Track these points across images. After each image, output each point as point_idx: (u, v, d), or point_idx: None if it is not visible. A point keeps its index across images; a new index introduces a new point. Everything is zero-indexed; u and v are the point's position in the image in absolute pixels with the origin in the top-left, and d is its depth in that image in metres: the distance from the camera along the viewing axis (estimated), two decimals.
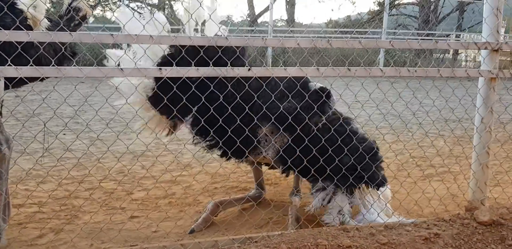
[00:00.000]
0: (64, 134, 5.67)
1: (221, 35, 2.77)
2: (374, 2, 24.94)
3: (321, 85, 2.93)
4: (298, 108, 2.68)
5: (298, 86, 2.69)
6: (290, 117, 2.69)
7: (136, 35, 2.16)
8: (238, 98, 2.58)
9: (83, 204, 3.40)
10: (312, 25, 20.31)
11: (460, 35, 21.13)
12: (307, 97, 2.67)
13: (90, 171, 3.62)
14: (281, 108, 2.69)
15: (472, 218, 2.71)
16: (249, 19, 18.88)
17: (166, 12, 17.66)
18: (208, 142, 2.91)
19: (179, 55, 2.67)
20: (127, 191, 3.74)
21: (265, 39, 2.34)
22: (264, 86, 2.67)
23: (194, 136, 2.96)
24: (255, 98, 2.69)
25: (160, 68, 2.20)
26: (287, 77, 2.52)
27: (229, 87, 2.68)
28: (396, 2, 22.81)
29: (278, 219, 3.22)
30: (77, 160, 4.51)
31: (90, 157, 4.79)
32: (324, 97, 2.80)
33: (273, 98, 2.63)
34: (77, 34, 2.09)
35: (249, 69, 2.31)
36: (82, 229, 2.89)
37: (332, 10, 26.33)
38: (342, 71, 2.43)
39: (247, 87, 2.58)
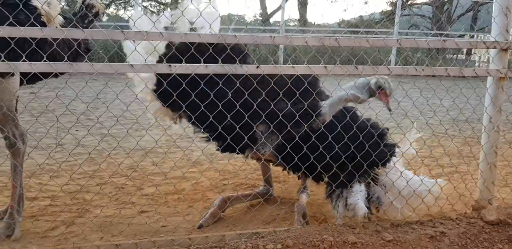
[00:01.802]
0: (76, 130, 5.77)
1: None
2: (387, 2, 24.85)
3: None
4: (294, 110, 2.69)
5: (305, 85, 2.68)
6: (284, 118, 2.69)
7: (146, 32, 2.21)
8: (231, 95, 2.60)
9: (94, 198, 3.47)
10: (324, 25, 20.30)
11: (474, 35, 20.94)
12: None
13: (100, 165, 3.68)
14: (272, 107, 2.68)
15: (479, 217, 2.72)
16: (261, 18, 18.93)
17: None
18: (206, 134, 2.96)
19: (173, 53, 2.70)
20: (137, 186, 3.80)
21: (273, 37, 2.37)
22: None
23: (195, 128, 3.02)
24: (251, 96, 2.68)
25: (170, 65, 2.25)
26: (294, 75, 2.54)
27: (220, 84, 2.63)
28: (409, 2, 22.70)
29: (285, 215, 3.25)
30: (89, 155, 4.59)
31: (101, 152, 4.87)
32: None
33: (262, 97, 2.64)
34: (89, 31, 2.15)
35: (257, 67, 2.34)
36: (93, 222, 2.95)
37: (345, 10, 26.22)
38: (349, 70, 2.45)
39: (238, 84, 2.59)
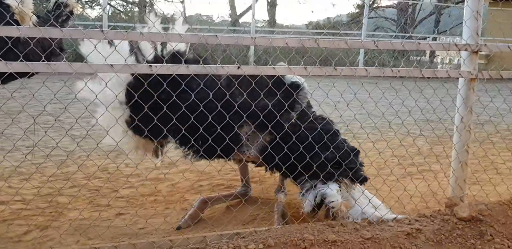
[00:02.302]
0: (45, 132, 5.61)
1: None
2: (353, 5, 25.28)
3: (296, 80, 2.96)
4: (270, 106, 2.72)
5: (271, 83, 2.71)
6: (262, 115, 2.71)
7: (126, 31, 2.18)
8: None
9: (69, 201, 3.40)
10: (293, 26, 20.47)
11: (437, 38, 21.55)
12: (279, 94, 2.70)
13: (72, 168, 3.61)
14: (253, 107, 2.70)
15: (452, 214, 2.80)
16: (230, 19, 18.92)
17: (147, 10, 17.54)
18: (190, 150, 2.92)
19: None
20: (112, 189, 3.74)
21: (254, 38, 2.38)
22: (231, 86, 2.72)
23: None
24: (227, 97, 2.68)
25: (150, 65, 2.23)
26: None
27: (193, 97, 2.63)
28: (375, 5, 23.14)
29: (265, 215, 3.26)
30: (61, 158, 4.50)
31: (72, 154, 4.76)
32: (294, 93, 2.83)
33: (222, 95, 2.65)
34: (67, 30, 2.10)
35: (238, 67, 2.35)
36: (69, 225, 2.89)
37: (312, 11, 26.48)
38: (328, 71, 2.48)
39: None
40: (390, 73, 2.59)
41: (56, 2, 3.11)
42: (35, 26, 2.79)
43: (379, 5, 24.13)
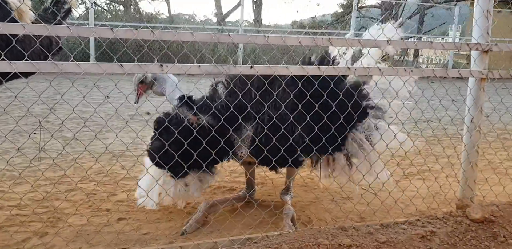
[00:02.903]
0: (35, 133, 5.44)
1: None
2: (338, 4, 25.39)
3: None
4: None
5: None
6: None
7: (137, 29, 2.08)
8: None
9: (65, 206, 3.27)
10: (276, 26, 20.43)
11: (421, 38, 21.76)
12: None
13: (66, 171, 3.48)
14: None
15: (464, 216, 2.77)
16: (216, 18, 18.81)
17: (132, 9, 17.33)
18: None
19: None
20: (110, 192, 3.62)
21: (267, 37, 2.30)
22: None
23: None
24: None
25: (161, 65, 2.13)
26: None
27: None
28: (359, 5, 23.24)
29: (270, 218, 3.18)
30: (52, 160, 4.35)
31: (65, 157, 4.62)
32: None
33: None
34: (75, 28, 1.99)
35: (251, 67, 2.26)
36: (68, 232, 2.77)
37: (297, 11, 26.50)
38: (342, 70, 2.42)
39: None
40: (403, 73, 2.54)
41: None
42: (32, 23, 2.66)
43: (364, 5, 24.28)
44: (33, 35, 2.21)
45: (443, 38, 23.23)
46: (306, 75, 2.38)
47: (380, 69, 2.49)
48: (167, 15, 18.67)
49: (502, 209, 2.84)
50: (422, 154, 4.70)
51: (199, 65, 2.19)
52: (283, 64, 2.37)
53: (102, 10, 16.47)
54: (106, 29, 2.03)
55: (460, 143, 4.22)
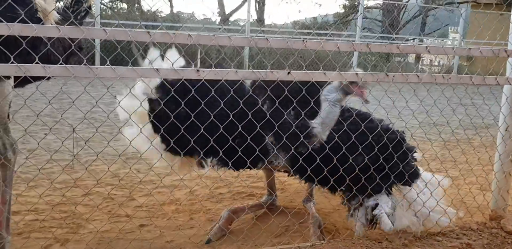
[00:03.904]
0: (45, 134, 5.36)
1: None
2: (339, 5, 25.32)
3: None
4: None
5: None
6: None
7: (173, 33, 2.00)
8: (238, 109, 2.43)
9: (84, 211, 3.19)
10: (276, 26, 20.31)
11: (423, 40, 21.72)
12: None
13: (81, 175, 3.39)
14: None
15: (499, 227, 2.70)
16: (215, 18, 18.75)
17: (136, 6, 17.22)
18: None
19: None
20: (128, 197, 3.53)
21: (305, 42, 2.22)
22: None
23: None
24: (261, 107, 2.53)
25: (198, 70, 2.05)
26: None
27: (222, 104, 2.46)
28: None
29: (294, 226, 3.10)
30: (65, 162, 4.27)
31: (79, 158, 4.53)
32: None
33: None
34: (111, 31, 1.91)
35: (288, 73, 2.18)
36: (90, 238, 2.69)
37: (300, 11, 26.36)
38: (380, 77, 2.34)
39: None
40: (441, 80, 2.46)
41: None
42: (58, 24, 2.57)
43: (365, 6, 24.22)
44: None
45: (442, 40, 23.20)
46: None
47: (418, 76, 2.41)
48: (165, 14, 18.58)
49: None
50: (439, 159, 4.63)
51: (236, 71, 2.11)
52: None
53: (106, 7, 16.37)
54: (142, 32, 1.95)
55: (475, 148, 4.18)
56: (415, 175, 2.69)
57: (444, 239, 2.58)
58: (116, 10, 17.70)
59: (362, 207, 2.65)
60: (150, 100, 2.58)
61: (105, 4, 16.33)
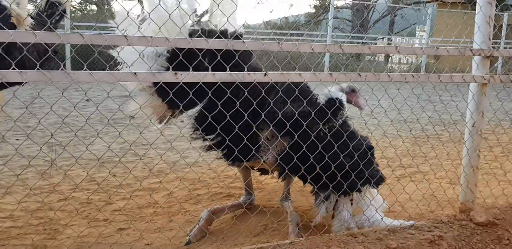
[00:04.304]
0: (17, 139, 5.26)
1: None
2: (309, 5, 25.59)
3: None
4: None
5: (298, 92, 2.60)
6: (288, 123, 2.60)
7: (151, 37, 2.02)
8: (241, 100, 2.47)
9: (61, 216, 3.16)
10: (247, 26, 20.37)
11: (391, 38, 22.19)
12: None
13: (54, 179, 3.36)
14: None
15: (468, 219, 2.81)
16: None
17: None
18: (208, 141, 2.78)
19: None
20: (106, 201, 3.52)
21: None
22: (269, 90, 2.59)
23: (194, 131, 2.82)
24: (263, 101, 2.58)
25: (176, 73, 2.07)
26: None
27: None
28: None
29: (273, 225, 3.15)
30: (40, 168, 4.21)
31: (54, 164, 4.46)
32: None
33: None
34: (88, 36, 1.91)
35: (265, 75, 2.23)
36: (68, 244, 2.68)
37: (271, 11, 26.54)
38: (353, 77, 2.41)
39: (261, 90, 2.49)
40: (411, 79, 2.55)
41: (48, 1, 2.87)
42: (32, 29, 2.56)
43: (336, 6, 24.53)
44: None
45: (410, 39, 23.75)
46: None
47: (389, 76, 2.50)
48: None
49: (504, 211, 2.90)
50: (410, 155, 4.76)
51: (214, 73, 2.15)
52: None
53: (74, 9, 16.09)
54: (120, 36, 1.96)
55: (444, 143, 4.33)
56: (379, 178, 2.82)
57: (417, 232, 2.68)
58: (85, 12, 17.42)
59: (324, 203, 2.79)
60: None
61: (75, 6, 16.05)
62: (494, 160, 4.71)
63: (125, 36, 1.96)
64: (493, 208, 2.91)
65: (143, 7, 2.92)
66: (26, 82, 2.52)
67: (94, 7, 17.15)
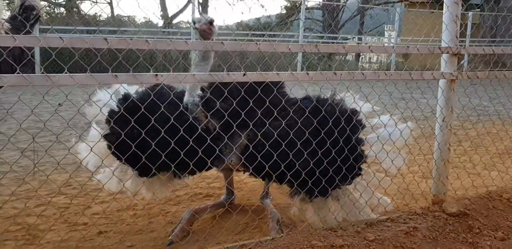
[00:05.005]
0: None
1: None
2: (281, 6, 25.79)
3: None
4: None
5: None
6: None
7: (131, 39, 2.04)
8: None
9: (39, 222, 3.12)
10: (220, 27, 20.41)
11: (362, 38, 22.58)
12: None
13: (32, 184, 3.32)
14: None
15: (441, 211, 2.92)
16: (163, 20, 18.57)
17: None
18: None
19: None
20: (83, 205, 3.49)
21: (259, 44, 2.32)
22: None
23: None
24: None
25: (156, 74, 2.10)
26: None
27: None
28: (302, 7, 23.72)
29: (253, 223, 3.20)
30: (15, 174, 4.14)
31: (26, 169, 4.40)
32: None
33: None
34: (68, 39, 1.92)
35: (244, 74, 2.28)
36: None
37: (242, 13, 26.65)
38: (328, 75, 2.48)
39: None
40: (384, 77, 2.65)
41: (22, 5, 2.84)
42: (8, 33, 2.54)
43: (306, 7, 24.78)
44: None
45: (379, 38, 24.23)
46: None
47: (363, 74, 2.58)
48: (105, 17, 18.15)
49: (474, 202, 3.03)
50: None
51: (194, 74, 2.18)
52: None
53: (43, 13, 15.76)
54: (100, 39, 1.98)
55: (416, 139, 4.46)
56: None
57: (393, 224, 2.78)
58: (53, 15, 17.09)
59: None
60: None
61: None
62: (463, 153, 4.90)
63: (105, 39, 1.97)
64: (464, 199, 3.04)
65: None
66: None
67: (62, 10, 16.84)
